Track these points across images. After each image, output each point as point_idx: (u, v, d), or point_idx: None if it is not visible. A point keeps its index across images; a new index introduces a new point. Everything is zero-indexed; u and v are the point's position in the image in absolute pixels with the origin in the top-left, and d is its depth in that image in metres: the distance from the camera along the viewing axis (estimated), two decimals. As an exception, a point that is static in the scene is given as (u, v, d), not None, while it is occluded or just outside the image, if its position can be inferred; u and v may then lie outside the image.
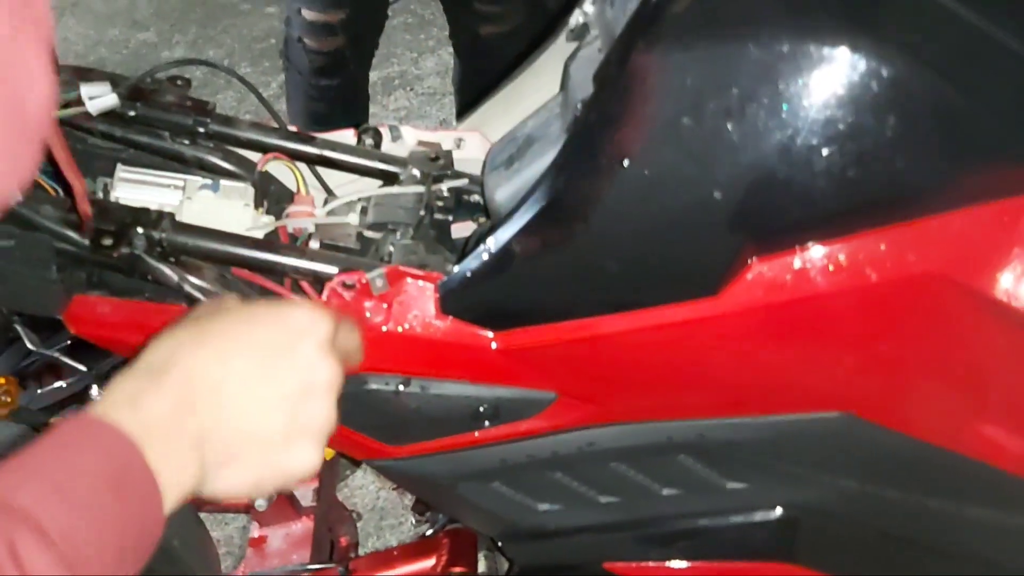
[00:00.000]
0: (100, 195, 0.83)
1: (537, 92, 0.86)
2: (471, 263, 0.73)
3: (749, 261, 0.67)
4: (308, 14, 1.65)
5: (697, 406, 0.77)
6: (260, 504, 0.99)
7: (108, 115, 0.83)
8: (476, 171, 0.88)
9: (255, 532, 1.03)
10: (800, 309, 0.69)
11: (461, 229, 0.91)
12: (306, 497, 1.04)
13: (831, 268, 0.67)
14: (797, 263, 0.67)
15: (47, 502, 0.45)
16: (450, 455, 0.80)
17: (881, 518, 0.82)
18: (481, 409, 0.77)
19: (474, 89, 1.87)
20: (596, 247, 0.69)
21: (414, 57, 2.69)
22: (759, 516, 0.83)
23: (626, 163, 0.66)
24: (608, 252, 0.69)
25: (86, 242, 0.71)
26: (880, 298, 0.68)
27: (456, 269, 0.74)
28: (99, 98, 0.81)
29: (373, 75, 2.72)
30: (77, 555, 0.45)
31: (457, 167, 0.90)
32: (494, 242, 0.72)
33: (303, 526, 1.03)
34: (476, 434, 0.78)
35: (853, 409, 0.75)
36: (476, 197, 0.88)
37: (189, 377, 0.53)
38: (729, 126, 0.64)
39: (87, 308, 0.71)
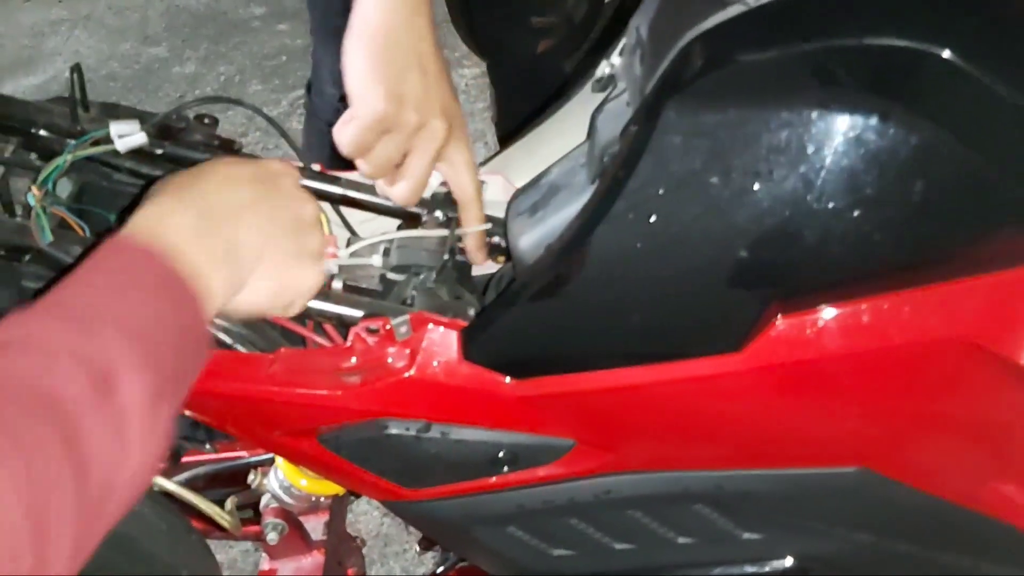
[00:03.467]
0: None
1: (561, 138, 0.86)
2: (494, 312, 0.73)
3: (773, 319, 0.68)
4: None
5: (716, 458, 0.77)
6: (271, 537, 0.99)
7: (135, 152, 0.83)
8: (498, 213, 0.89)
9: (265, 565, 1.03)
10: (823, 367, 0.69)
11: (481, 267, 0.92)
12: (316, 530, 1.04)
13: (855, 328, 0.68)
14: (821, 322, 0.68)
15: (101, 305, 0.50)
16: (466, 499, 0.80)
17: (894, 572, 0.83)
18: (500, 455, 0.77)
19: (524, 114, 1.82)
20: (620, 300, 0.70)
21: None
22: (771, 566, 0.84)
23: (653, 219, 0.66)
24: (632, 306, 0.70)
25: (114, 283, 0.71)
26: (903, 360, 0.68)
27: (479, 317, 0.74)
28: (128, 136, 0.82)
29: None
30: (139, 338, 0.50)
31: (479, 207, 0.90)
32: (517, 292, 0.72)
33: (313, 560, 1.03)
34: (494, 479, 0.79)
35: (871, 465, 0.75)
36: (497, 239, 0.89)
37: (204, 197, 0.59)
38: (757, 187, 0.64)
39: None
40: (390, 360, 0.73)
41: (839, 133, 0.62)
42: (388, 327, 0.73)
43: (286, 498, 0.98)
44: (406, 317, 0.73)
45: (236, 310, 0.63)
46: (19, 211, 0.79)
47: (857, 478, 0.75)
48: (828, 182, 0.63)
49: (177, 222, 0.57)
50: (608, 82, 0.80)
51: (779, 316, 0.68)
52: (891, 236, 0.65)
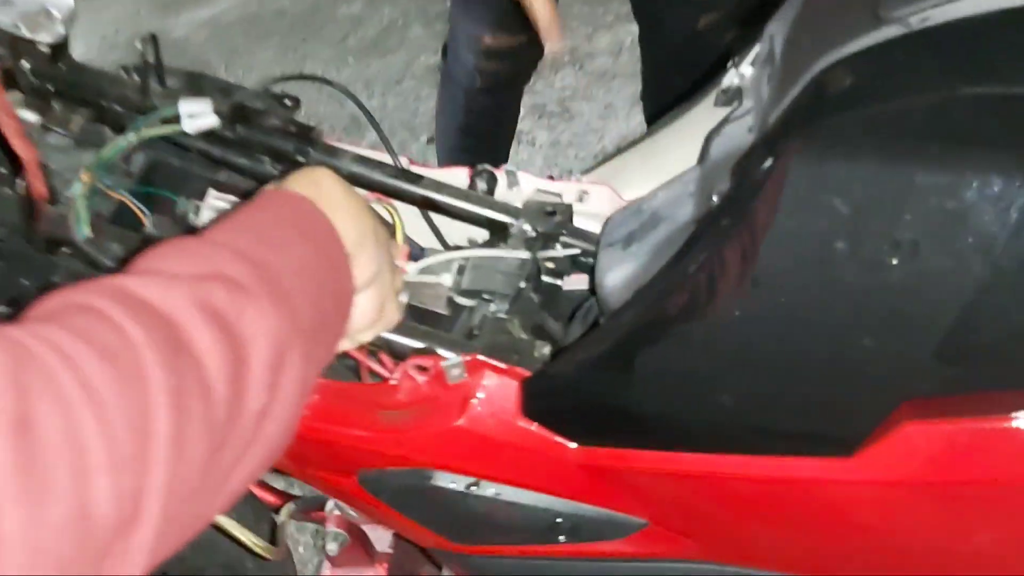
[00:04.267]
0: (191, 216, 0.77)
1: (682, 150, 0.73)
2: (563, 366, 0.62)
3: (900, 424, 0.54)
4: (489, 40, 1.51)
5: (814, 563, 0.64)
6: (331, 548, 0.93)
7: (207, 134, 0.77)
8: (596, 228, 0.77)
9: (326, 571, 0.98)
10: (958, 490, 0.55)
11: (577, 281, 0.81)
12: (382, 541, 0.98)
13: (1008, 448, 0.53)
14: (963, 436, 0.53)
15: (243, 240, 0.48)
16: (519, 561, 0.71)
17: None
18: (558, 522, 0.67)
19: (675, 90, 1.67)
20: (711, 375, 0.57)
21: (588, 32, 2.55)
22: None
23: (760, 283, 0.53)
24: (725, 383, 0.57)
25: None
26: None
27: (545, 369, 0.64)
28: (197, 117, 0.75)
29: (543, 48, 2.62)
30: (278, 276, 0.47)
31: (579, 221, 0.79)
32: (591, 347, 0.61)
33: (375, 574, 0.96)
34: (551, 546, 0.69)
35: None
36: (586, 258, 0.77)
37: (349, 199, 0.56)
38: (895, 262, 0.50)
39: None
40: (439, 405, 0.64)
41: (1016, 204, 0.47)
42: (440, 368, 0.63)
43: (349, 509, 0.91)
44: (460, 360, 0.63)
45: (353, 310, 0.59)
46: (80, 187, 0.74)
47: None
48: (993, 266, 0.48)
49: (338, 189, 0.56)
50: (734, 96, 0.66)
51: (906, 422, 0.54)
52: (1072, 344, 0.49)
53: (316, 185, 0.55)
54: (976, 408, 0.52)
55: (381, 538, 0.97)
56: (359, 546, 0.95)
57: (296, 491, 0.99)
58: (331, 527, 0.93)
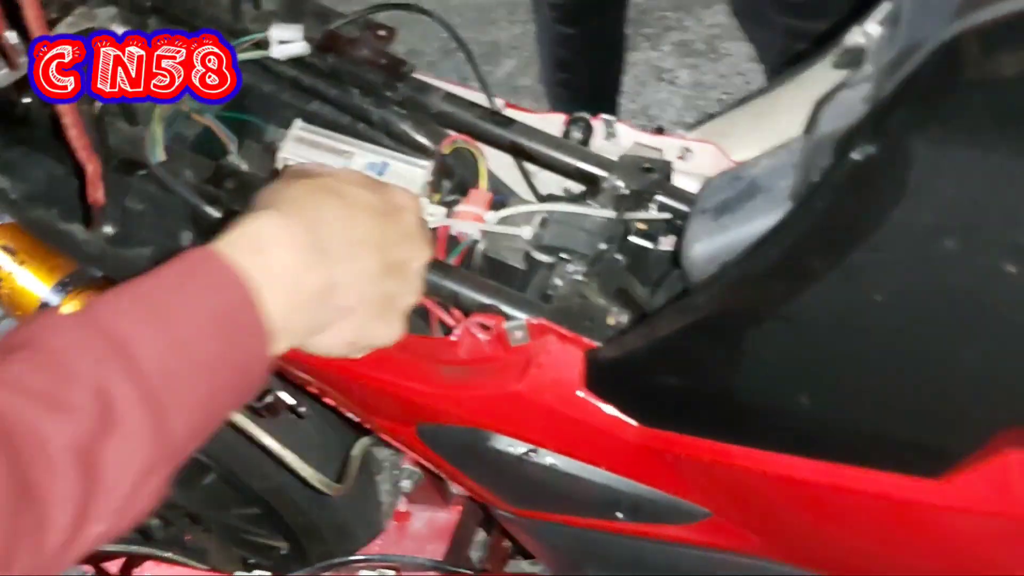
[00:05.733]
0: (278, 145, 0.76)
1: (797, 111, 0.66)
2: (630, 341, 0.58)
3: (1001, 452, 0.47)
4: None
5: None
6: (404, 485, 0.93)
7: (297, 62, 0.75)
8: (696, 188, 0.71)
9: (402, 506, 0.98)
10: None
11: (673, 244, 0.75)
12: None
13: None
14: (1074, 472, 0.46)
15: (146, 334, 0.45)
16: (577, 530, 0.68)
17: None
18: (616, 499, 0.64)
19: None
20: (792, 371, 0.52)
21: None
22: None
23: (854, 277, 0.47)
24: (807, 383, 0.52)
25: (217, 216, 0.64)
26: None
27: (613, 340, 0.59)
28: (288, 44, 0.73)
29: (697, -18, 2.48)
30: (167, 389, 0.45)
31: (680, 180, 0.73)
32: (665, 322, 0.56)
33: (447, 517, 0.96)
34: (608, 522, 0.65)
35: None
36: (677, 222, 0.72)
37: (321, 227, 0.52)
38: (1012, 269, 0.43)
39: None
40: (499, 367, 0.61)
41: None
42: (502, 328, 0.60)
43: (422, 451, 0.90)
44: (523, 322, 0.60)
45: (306, 349, 0.56)
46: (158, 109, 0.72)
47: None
48: None
49: (283, 254, 0.50)
50: (856, 58, 0.59)
51: (1009, 450, 0.47)
52: None
53: (258, 253, 0.49)
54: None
55: (456, 482, 0.97)
56: (433, 487, 0.95)
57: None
58: (407, 465, 0.92)
